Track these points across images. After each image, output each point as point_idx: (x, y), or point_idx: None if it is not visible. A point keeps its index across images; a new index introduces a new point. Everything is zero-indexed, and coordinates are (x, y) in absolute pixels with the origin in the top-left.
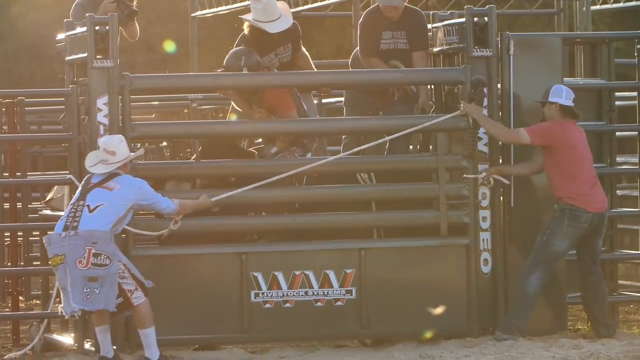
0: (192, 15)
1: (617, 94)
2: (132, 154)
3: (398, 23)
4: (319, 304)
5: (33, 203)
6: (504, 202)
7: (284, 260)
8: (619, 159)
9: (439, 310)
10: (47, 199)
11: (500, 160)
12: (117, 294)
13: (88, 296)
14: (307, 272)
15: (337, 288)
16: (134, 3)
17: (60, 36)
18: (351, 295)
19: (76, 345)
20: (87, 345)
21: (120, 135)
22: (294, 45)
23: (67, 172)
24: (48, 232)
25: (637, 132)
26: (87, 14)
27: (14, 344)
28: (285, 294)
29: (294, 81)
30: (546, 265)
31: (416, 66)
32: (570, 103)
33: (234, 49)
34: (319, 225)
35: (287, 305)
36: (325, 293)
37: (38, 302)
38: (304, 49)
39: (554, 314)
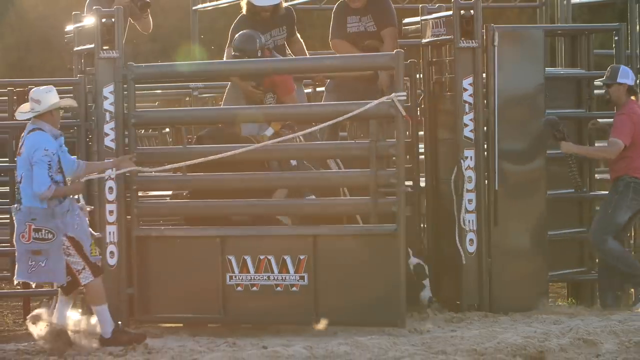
0: (194, 8)
1: (595, 83)
2: (57, 101)
3: (364, 9)
4: (278, 288)
5: None
6: (488, 185)
7: (251, 244)
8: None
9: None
10: None
11: (485, 146)
12: (65, 267)
13: (33, 269)
14: (269, 257)
15: (293, 274)
16: None
17: (69, 28)
18: (304, 281)
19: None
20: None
21: (51, 86)
22: (288, 29)
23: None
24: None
25: (614, 119)
26: (94, 7)
27: (25, 320)
28: (252, 278)
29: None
30: (611, 234)
31: (385, 43)
32: (633, 83)
33: (243, 32)
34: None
35: (254, 288)
36: (283, 278)
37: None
38: (298, 35)
39: (536, 290)
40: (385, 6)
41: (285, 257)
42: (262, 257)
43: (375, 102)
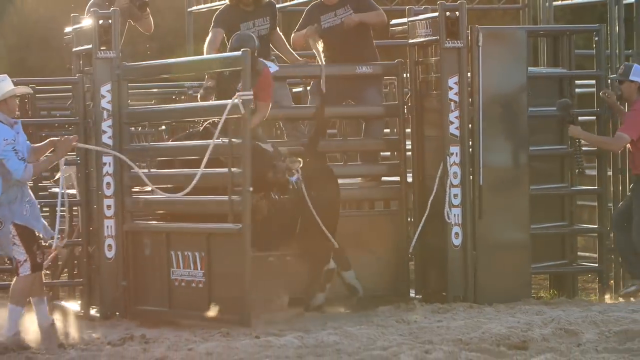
0: (189, 10)
1: (576, 82)
2: (11, 89)
3: (341, 2)
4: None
5: (43, 182)
6: (473, 180)
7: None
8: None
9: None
10: (55, 177)
11: (470, 143)
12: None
13: None
14: (195, 253)
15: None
16: None
17: (68, 29)
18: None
19: (82, 311)
20: (93, 312)
21: (4, 75)
22: (271, 21)
23: (74, 153)
24: (56, 208)
25: (594, 117)
26: (91, 9)
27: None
28: (194, 274)
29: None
30: None
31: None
32: None
33: (240, 33)
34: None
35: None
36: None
37: (48, 272)
38: (278, 29)
39: (519, 282)
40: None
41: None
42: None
43: (224, 102)
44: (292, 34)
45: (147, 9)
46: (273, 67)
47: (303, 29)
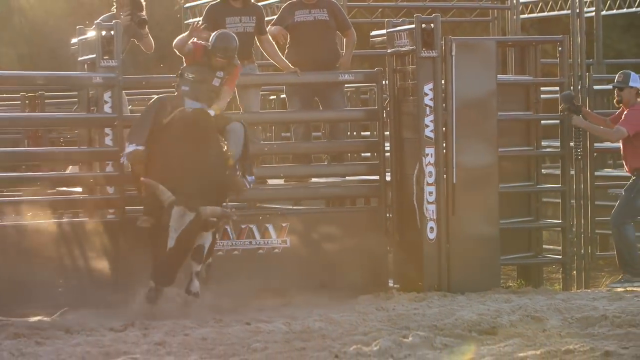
0: (185, 22)
1: (542, 88)
2: None
3: (317, 3)
4: None
5: None
6: (447, 179)
7: None
8: (543, 143)
9: None
10: None
11: (444, 144)
12: None
13: None
14: None
15: None
16: (143, 12)
17: (74, 40)
18: None
19: None
20: None
21: None
22: (257, 22)
23: None
24: None
25: (558, 121)
26: (95, 22)
27: None
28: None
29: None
30: (632, 218)
31: (347, 42)
32: None
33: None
34: None
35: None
36: None
37: None
38: (269, 37)
39: (489, 273)
40: (338, 6)
41: None
42: None
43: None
44: (267, 28)
45: (147, 27)
46: (254, 70)
47: (276, 23)
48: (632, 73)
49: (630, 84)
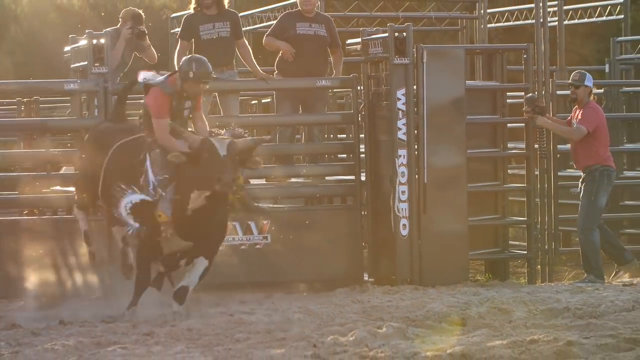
0: (172, 31)
1: (508, 93)
2: None
3: (316, 17)
4: None
5: None
6: (418, 179)
7: None
8: (509, 145)
9: None
10: None
11: (416, 146)
12: None
13: None
14: None
15: None
16: (143, 26)
17: (67, 48)
18: None
19: None
20: None
21: None
22: (232, 27)
23: None
24: None
25: (523, 124)
26: (86, 31)
27: None
28: None
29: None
30: (598, 221)
31: (336, 59)
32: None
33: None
34: None
35: None
36: None
37: None
38: (245, 41)
39: (458, 267)
40: (333, 26)
41: None
42: None
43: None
44: (265, 37)
45: (147, 39)
46: (234, 76)
47: (276, 32)
48: (587, 73)
49: (585, 83)
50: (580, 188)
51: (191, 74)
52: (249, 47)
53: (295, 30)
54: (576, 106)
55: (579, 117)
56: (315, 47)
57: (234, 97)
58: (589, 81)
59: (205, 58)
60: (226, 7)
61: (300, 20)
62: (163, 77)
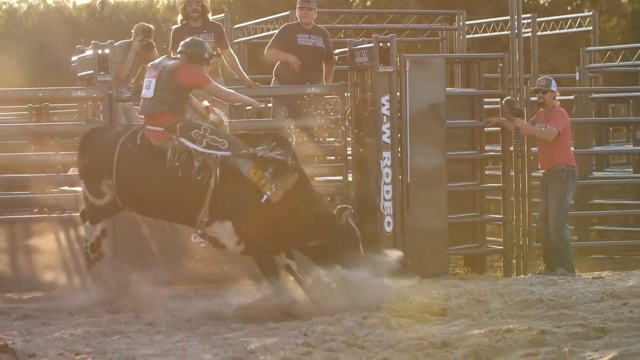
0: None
1: (485, 99)
2: None
3: (313, 30)
4: None
5: None
6: (402, 179)
7: None
8: (487, 147)
9: None
10: None
11: (399, 149)
12: None
13: None
14: None
15: None
16: (151, 39)
17: (74, 58)
18: None
19: None
20: None
21: None
22: (217, 37)
23: None
24: None
25: (499, 128)
26: (92, 42)
27: None
28: None
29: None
30: (568, 218)
31: (328, 72)
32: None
33: (192, 39)
34: None
35: None
36: None
37: None
38: (231, 50)
39: (439, 262)
40: (328, 36)
41: None
42: None
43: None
44: (267, 49)
45: (155, 50)
46: (221, 83)
47: (279, 44)
48: (552, 79)
49: (552, 88)
50: (546, 187)
51: (206, 55)
52: (235, 56)
53: (296, 42)
54: (541, 110)
55: (549, 120)
56: (314, 58)
57: (223, 103)
58: (554, 86)
59: (201, 39)
60: (210, 19)
61: (300, 32)
62: (172, 59)
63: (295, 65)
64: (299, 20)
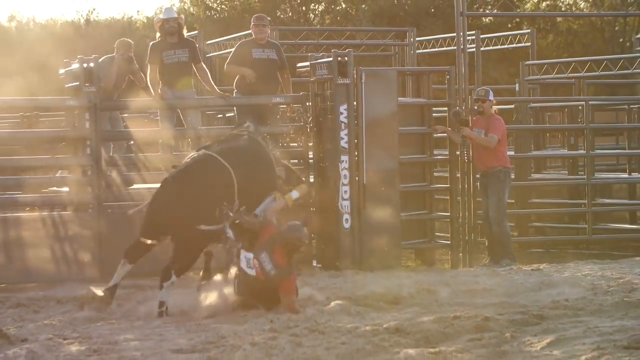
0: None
1: (433, 108)
2: None
3: (267, 44)
4: None
5: None
6: (358, 180)
7: None
8: (435, 152)
9: None
10: None
11: (356, 153)
12: None
13: None
14: None
15: None
16: (131, 53)
17: (62, 70)
18: None
19: None
20: None
21: None
22: (190, 53)
23: None
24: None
25: (446, 134)
26: (78, 56)
27: None
28: None
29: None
30: (506, 213)
31: (285, 82)
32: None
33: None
34: None
35: None
36: None
37: None
38: (204, 65)
39: (393, 255)
40: (281, 49)
41: None
42: None
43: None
44: (226, 65)
45: (135, 63)
46: (193, 94)
47: (237, 60)
48: (490, 90)
49: (490, 97)
50: (485, 187)
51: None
52: (206, 70)
53: (251, 56)
54: (478, 116)
55: (489, 127)
56: (269, 70)
57: (195, 113)
58: (491, 96)
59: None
60: (185, 36)
61: (254, 47)
62: None
63: (251, 77)
64: (254, 36)
